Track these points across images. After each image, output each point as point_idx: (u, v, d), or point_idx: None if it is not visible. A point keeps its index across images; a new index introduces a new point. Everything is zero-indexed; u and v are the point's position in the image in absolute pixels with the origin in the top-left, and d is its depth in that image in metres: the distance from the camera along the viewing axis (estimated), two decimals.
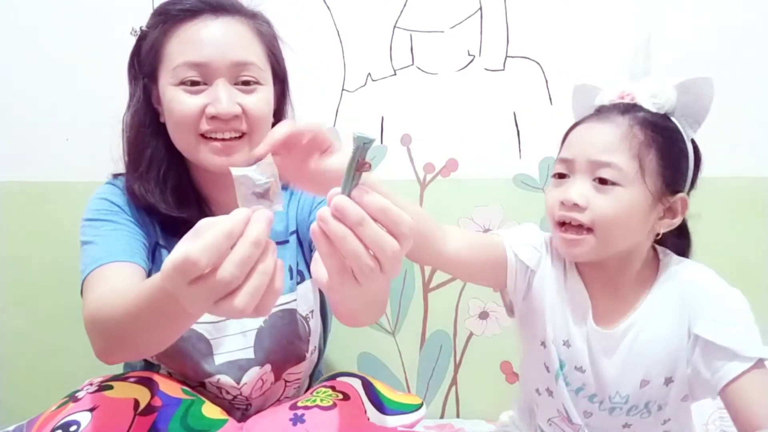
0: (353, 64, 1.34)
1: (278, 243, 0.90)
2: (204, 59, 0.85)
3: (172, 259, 0.53)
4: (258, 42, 0.91)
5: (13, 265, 1.37)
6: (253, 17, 0.93)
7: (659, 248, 0.91)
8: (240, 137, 0.88)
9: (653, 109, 0.83)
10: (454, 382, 1.37)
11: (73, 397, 0.82)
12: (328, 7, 1.33)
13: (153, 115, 0.92)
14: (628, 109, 0.83)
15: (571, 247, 0.83)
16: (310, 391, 0.97)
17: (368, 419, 0.90)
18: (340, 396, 0.90)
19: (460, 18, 1.32)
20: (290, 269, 0.98)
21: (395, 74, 1.34)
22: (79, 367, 1.28)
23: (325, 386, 0.95)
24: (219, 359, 0.94)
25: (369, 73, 1.34)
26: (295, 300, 0.98)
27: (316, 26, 1.33)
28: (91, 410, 0.79)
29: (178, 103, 0.86)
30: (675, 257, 0.90)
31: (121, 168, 0.98)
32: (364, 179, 0.53)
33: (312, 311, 1.01)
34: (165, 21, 0.89)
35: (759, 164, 1.30)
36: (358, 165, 0.52)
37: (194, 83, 0.86)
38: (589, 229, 0.81)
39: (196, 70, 0.86)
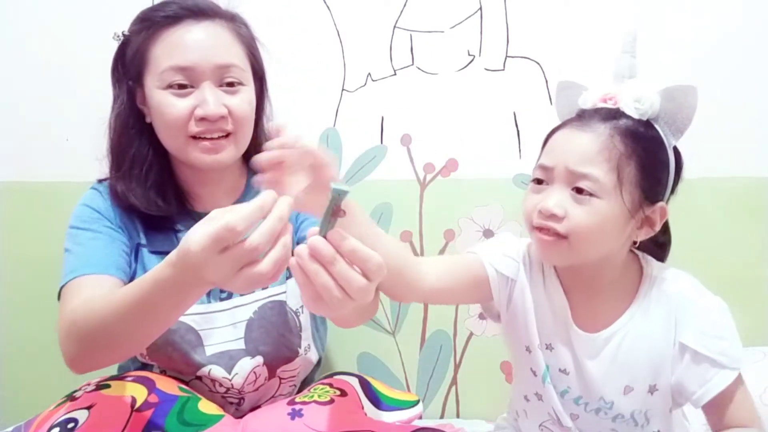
0: (353, 64, 1.34)
1: None
2: (189, 63, 0.89)
3: (207, 230, 0.60)
4: (238, 44, 0.95)
5: (12, 264, 1.37)
6: (232, 20, 0.97)
7: (641, 255, 0.90)
8: (226, 136, 0.93)
9: (635, 115, 0.81)
10: (454, 382, 1.37)
11: (71, 397, 0.84)
12: (328, 7, 1.33)
13: (137, 116, 0.96)
14: (610, 115, 0.82)
15: (546, 250, 0.83)
16: (307, 389, 0.98)
17: (365, 414, 0.90)
18: (338, 392, 0.91)
19: (460, 18, 1.32)
20: None
21: (395, 74, 1.34)
22: None
23: (322, 384, 0.96)
24: (210, 350, 0.95)
25: (369, 73, 1.34)
26: (284, 292, 1.00)
27: (316, 26, 1.33)
28: (89, 408, 0.80)
29: (168, 106, 0.90)
30: (656, 264, 0.89)
31: (105, 169, 1.01)
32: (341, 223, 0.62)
33: (302, 306, 1.02)
34: (149, 27, 0.92)
35: (759, 164, 1.30)
36: (334, 212, 0.61)
37: (181, 86, 0.90)
38: (565, 237, 0.80)
39: (182, 73, 0.90)
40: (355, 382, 0.97)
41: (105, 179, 1.01)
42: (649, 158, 0.81)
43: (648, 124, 0.82)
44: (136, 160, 0.95)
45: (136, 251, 0.97)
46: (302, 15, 1.33)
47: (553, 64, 1.31)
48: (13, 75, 1.35)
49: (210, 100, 0.90)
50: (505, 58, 1.32)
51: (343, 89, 1.34)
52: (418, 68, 1.33)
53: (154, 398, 0.84)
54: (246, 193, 1.02)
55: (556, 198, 0.80)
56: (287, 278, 1.00)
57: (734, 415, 0.82)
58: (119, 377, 0.88)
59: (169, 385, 0.89)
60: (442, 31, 1.32)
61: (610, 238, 0.82)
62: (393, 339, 1.36)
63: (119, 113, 0.96)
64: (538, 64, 1.31)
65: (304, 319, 1.03)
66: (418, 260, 0.85)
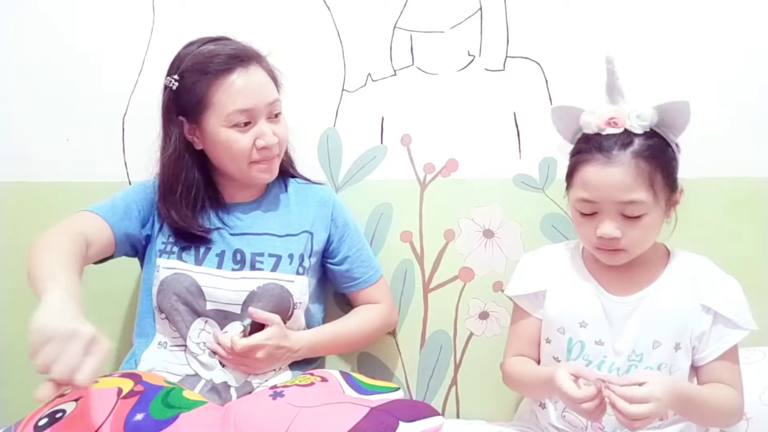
0: (353, 64, 1.34)
1: (288, 235, 1.17)
2: (251, 105, 1.09)
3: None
4: (270, 79, 1.14)
5: (12, 265, 1.37)
6: (261, 58, 1.15)
7: (666, 243, 1.08)
8: (274, 157, 1.14)
9: (640, 131, 0.95)
10: (454, 382, 1.37)
11: (60, 395, 0.88)
12: (328, 7, 1.33)
13: (188, 146, 1.13)
14: (626, 142, 0.95)
15: (609, 260, 1.01)
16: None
17: (343, 392, 0.96)
18: (318, 379, 1.00)
19: (460, 18, 1.32)
20: (290, 256, 1.15)
21: (395, 74, 1.34)
22: None
23: (303, 375, 1.06)
24: (210, 305, 1.10)
25: (369, 73, 1.34)
26: (292, 282, 1.13)
27: (316, 26, 1.33)
28: (76, 400, 0.86)
29: (235, 142, 1.09)
30: (678, 249, 1.07)
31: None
32: None
33: (300, 303, 1.14)
34: (205, 75, 1.07)
35: (759, 164, 1.30)
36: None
37: (245, 124, 1.09)
38: (624, 249, 0.98)
39: (245, 114, 1.08)
40: (335, 372, 1.05)
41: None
42: (665, 162, 0.96)
43: (652, 133, 0.96)
44: (186, 184, 1.12)
45: (146, 241, 1.17)
46: (302, 15, 1.33)
47: (553, 64, 1.31)
48: (13, 75, 1.36)
49: (268, 132, 1.10)
50: (505, 58, 1.32)
51: (343, 89, 1.34)
52: (418, 68, 1.33)
53: (140, 387, 0.90)
54: (267, 192, 1.22)
55: (612, 224, 0.96)
56: (298, 273, 1.14)
57: (724, 374, 1.00)
58: (107, 375, 0.95)
59: (155, 379, 0.96)
60: (442, 31, 1.32)
61: (656, 235, 1.00)
62: (393, 339, 1.36)
63: (175, 148, 1.12)
64: (538, 64, 1.31)
65: (298, 314, 1.14)
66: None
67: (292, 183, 1.26)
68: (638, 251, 1.00)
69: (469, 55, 1.33)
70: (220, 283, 1.10)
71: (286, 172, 1.26)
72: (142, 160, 1.35)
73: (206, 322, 1.10)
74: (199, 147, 1.13)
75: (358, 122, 1.34)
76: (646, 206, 0.94)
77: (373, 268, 1.26)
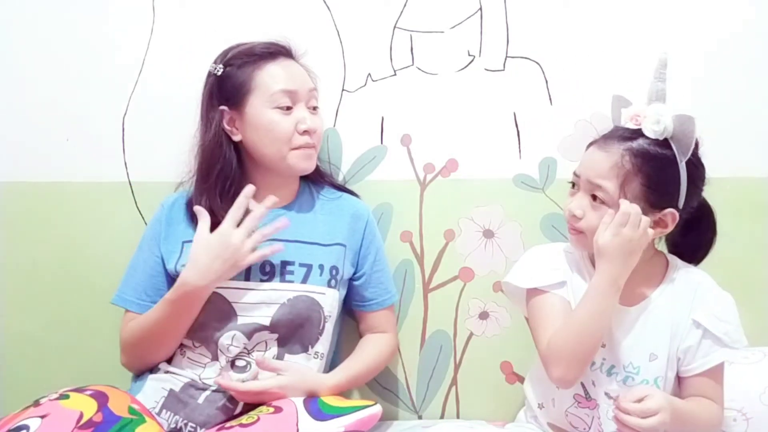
0: (353, 64, 1.34)
1: (316, 244, 1.16)
2: (295, 87, 1.13)
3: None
4: (309, 76, 1.19)
5: (12, 265, 1.37)
6: (300, 57, 1.20)
7: (669, 255, 1.10)
8: (312, 147, 1.16)
9: (652, 136, 0.97)
10: (454, 382, 1.37)
11: (36, 402, 0.90)
12: (328, 7, 1.33)
13: (226, 136, 1.14)
14: (627, 137, 0.99)
15: (573, 241, 1.06)
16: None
17: (297, 429, 0.93)
18: (271, 410, 0.98)
19: (460, 18, 1.32)
20: (321, 266, 1.14)
21: (395, 74, 1.34)
22: (79, 368, 1.29)
23: (264, 405, 1.03)
24: (241, 320, 1.09)
25: (369, 74, 1.34)
26: (323, 294, 1.13)
27: (316, 26, 1.33)
28: (43, 417, 0.86)
29: (278, 123, 1.11)
30: (680, 262, 1.08)
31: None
32: None
33: (330, 316, 1.14)
34: (254, 60, 1.13)
35: (759, 164, 1.30)
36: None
37: (288, 107, 1.12)
38: (583, 232, 1.02)
39: (288, 96, 1.12)
40: (299, 399, 1.01)
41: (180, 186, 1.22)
42: (655, 174, 0.97)
43: (664, 143, 0.98)
44: (222, 173, 1.12)
45: (180, 248, 1.14)
46: (302, 15, 1.33)
47: (553, 64, 1.31)
48: (13, 75, 1.35)
49: (308, 116, 1.13)
50: (505, 58, 1.32)
51: (343, 89, 1.34)
52: (418, 68, 1.33)
53: (98, 417, 0.89)
54: (297, 199, 1.21)
55: (578, 202, 1.02)
56: (329, 285, 1.13)
57: (708, 391, 1.02)
58: (82, 389, 0.94)
59: (120, 406, 0.94)
60: (442, 31, 1.32)
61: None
62: None
63: (214, 135, 1.13)
64: (538, 64, 1.31)
65: (329, 327, 1.15)
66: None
67: (324, 191, 1.25)
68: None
69: (469, 55, 1.33)
70: (249, 297, 1.09)
71: (316, 178, 1.25)
72: (142, 160, 1.35)
73: (234, 336, 1.08)
74: (237, 137, 1.13)
75: (358, 122, 1.34)
76: (609, 197, 0.98)
77: (389, 293, 1.25)
